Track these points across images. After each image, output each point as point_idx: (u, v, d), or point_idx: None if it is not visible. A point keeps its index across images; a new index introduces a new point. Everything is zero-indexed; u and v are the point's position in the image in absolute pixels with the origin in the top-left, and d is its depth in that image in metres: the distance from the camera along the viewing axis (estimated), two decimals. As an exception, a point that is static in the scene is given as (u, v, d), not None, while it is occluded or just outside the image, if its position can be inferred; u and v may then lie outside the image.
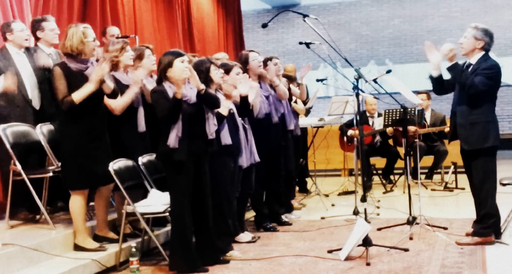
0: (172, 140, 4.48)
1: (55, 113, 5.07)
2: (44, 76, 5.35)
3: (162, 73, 4.60)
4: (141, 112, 5.20)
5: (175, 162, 4.52)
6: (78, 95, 4.54)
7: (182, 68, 4.55)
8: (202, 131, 4.66)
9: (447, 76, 5.13)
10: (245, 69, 5.92)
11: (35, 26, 5.49)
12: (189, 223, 4.58)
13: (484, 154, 5.01)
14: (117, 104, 4.96)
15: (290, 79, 7.29)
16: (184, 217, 4.56)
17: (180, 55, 4.61)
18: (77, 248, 4.73)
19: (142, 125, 5.21)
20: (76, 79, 4.60)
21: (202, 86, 4.66)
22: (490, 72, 4.94)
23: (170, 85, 4.56)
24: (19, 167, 4.90)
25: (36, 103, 5.35)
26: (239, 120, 5.37)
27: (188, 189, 4.57)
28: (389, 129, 8.37)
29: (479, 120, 4.98)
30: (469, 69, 5.05)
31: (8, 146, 4.90)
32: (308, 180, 8.56)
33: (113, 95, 4.80)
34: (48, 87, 5.24)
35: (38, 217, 5.28)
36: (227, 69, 5.40)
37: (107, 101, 4.87)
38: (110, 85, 4.72)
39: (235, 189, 5.39)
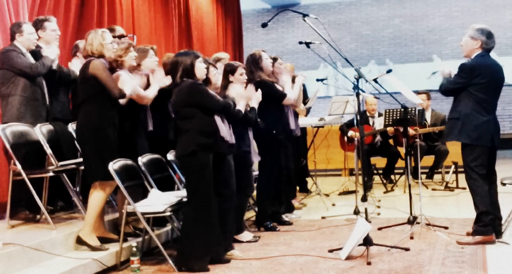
0: (224, 133, 4.75)
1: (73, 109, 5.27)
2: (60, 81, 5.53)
3: (184, 74, 4.68)
4: (149, 111, 5.25)
5: (204, 159, 4.61)
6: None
7: (203, 68, 4.75)
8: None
9: None
10: (260, 67, 5.96)
11: (37, 25, 5.50)
12: (211, 221, 4.64)
13: (464, 153, 5.08)
14: (148, 93, 5.21)
15: (293, 79, 7.28)
16: (206, 216, 4.61)
17: (198, 56, 4.78)
18: (79, 241, 4.72)
19: (150, 124, 5.30)
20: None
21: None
22: (459, 71, 5.05)
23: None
24: (19, 166, 4.89)
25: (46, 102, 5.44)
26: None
27: (211, 187, 4.66)
28: (390, 129, 8.37)
29: (452, 117, 5.17)
30: None
31: (8, 146, 4.90)
32: (309, 179, 8.56)
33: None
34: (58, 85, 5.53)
35: (38, 216, 5.27)
36: (232, 70, 5.45)
37: (140, 91, 5.13)
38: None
39: (250, 188, 5.51)
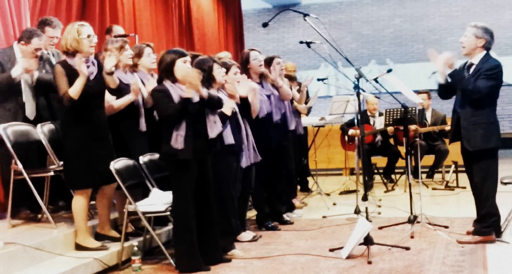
0: (177, 139, 4.48)
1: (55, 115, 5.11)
2: (40, 88, 5.37)
3: (163, 73, 4.59)
4: (142, 112, 5.22)
5: (180, 161, 4.51)
6: (73, 90, 4.52)
7: (184, 68, 4.57)
8: (205, 130, 4.65)
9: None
10: (246, 68, 5.93)
11: (39, 26, 5.50)
12: (192, 222, 4.58)
13: (485, 154, 5.00)
14: (114, 103, 5.01)
15: (291, 78, 7.28)
16: (187, 217, 4.55)
17: (183, 55, 4.61)
18: (79, 247, 4.73)
19: (143, 125, 5.22)
20: (77, 76, 4.57)
21: (205, 93, 4.63)
22: (493, 73, 4.93)
23: (171, 85, 4.56)
24: (20, 166, 4.90)
25: (29, 113, 5.33)
26: (241, 119, 5.40)
27: (191, 188, 4.57)
28: (390, 129, 8.37)
29: (482, 122, 4.98)
30: (471, 70, 5.04)
31: (9, 145, 4.90)
32: (309, 179, 8.56)
33: (116, 92, 4.86)
34: (44, 97, 5.42)
35: (39, 216, 5.27)
36: (225, 68, 5.42)
37: (108, 96, 4.89)
38: (116, 80, 4.74)
39: (251, 186, 5.46)
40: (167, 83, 4.56)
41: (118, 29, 6.62)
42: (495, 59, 5.03)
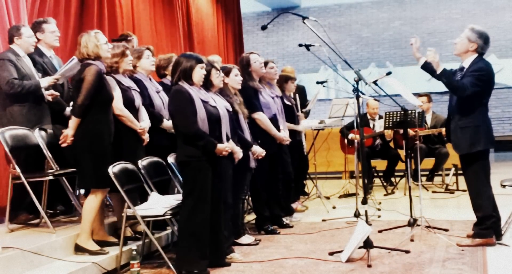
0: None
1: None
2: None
3: (182, 76, 4.66)
4: (142, 113, 5.22)
5: (199, 163, 4.56)
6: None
7: (202, 74, 4.73)
8: (219, 133, 4.78)
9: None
10: (248, 72, 5.95)
11: (36, 28, 5.50)
12: (206, 226, 4.59)
13: (474, 157, 5.02)
14: (126, 114, 5.05)
15: (288, 79, 7.28)
16: (202, 220, 4.57)
17: (201, 61, 4.75)
18: (78, 248, 4.71)
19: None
20: (105, 80, 4.77)
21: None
22: (479, 74, 4.93)
23: (190, 87, 4.64)
24: (18, 170, 4.88)
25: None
26: (243, 121, 5.42)
27: (208, 190, 4.61)
28: (388, 134, 8.36)
29: (469, 125, 4.99)
30: (462, 72, 5.05)
31: (7, 149, 4.89)
32: (306, 182, 8.54)
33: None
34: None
35: (38, 220, 5.26)
36: (226, 72, 5.44)
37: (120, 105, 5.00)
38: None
39: (244, 190, 5.51)
40: (186, 85, 4.64)
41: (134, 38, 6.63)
42: (487, 62, 5.03)
